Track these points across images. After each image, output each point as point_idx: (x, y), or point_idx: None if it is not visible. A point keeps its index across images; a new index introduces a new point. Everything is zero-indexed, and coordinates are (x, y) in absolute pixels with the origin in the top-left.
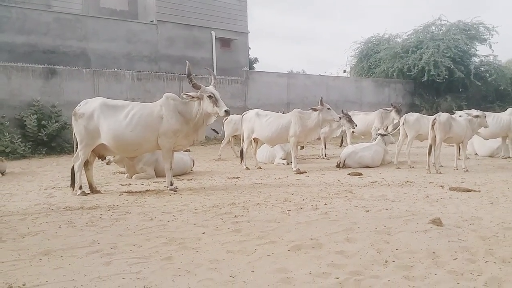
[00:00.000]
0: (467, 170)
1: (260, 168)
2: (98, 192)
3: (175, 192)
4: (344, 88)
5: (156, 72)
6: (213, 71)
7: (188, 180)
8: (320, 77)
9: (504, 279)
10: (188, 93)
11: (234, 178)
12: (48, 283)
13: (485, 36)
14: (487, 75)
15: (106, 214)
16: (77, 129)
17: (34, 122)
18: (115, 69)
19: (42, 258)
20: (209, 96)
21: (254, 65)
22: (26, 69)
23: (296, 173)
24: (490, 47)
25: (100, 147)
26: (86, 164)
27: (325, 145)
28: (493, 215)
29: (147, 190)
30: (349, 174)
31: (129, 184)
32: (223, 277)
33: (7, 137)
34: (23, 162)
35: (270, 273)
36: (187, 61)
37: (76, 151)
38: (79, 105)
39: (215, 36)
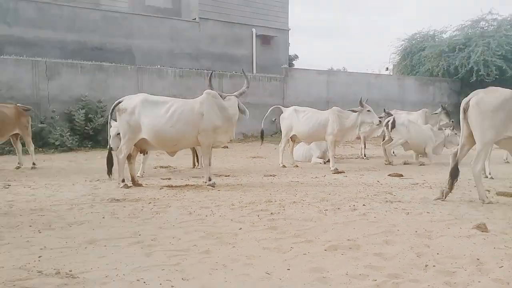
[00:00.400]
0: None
1: (297, 166)
2: (140, 185)
3: (213, 188)
4: (386, 87)
5: (197, 69)
6: (252, 70)
7: (226, 176)
8: (361, 75)
9: None
10: (223, 94)
11: (271, 175)
12: (93, 270)
13: None
14: None
15: (147, 206)
16: (120, 124)
17: (81, 116)
18: (158, 66)
19: (87, 246)
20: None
21: (294, 62)
22: (75, 66)
23: (334, 173)
24: None
25: (142, 142)
26: (129, 158)
27: (365, 144)
28: None
29: (186, 185)
30: (389, 175)
31: (169, 179)
32: (258, 273)
33: (58, 130)
34: (71, 155)
35: (305, 272)
36: (211, 71)
37: (109, 144)
38: (121, 100)
39: (256, 33)
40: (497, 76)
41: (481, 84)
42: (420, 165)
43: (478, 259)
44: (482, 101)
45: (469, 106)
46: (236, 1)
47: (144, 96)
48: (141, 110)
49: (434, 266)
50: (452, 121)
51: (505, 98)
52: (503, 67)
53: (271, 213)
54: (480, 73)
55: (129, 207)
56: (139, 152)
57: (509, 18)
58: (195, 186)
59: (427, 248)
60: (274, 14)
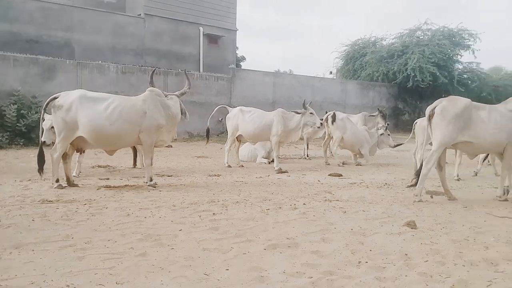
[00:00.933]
0: (459, 179)
1: (242, 166)
2: (75, 185)
3: (154, 188)
4: (329, 90)
5: (141, 66)
6: (199, 68)
7: (169, 176)
8: (306, 78)
9: (471, 282)
10: (171, 93)
11: (215, 175)
12: (17, 277)
13: (468, 43)
14: (470, 82)
15: (82, 208)
16: (56, 121)
17: (13, 112)
18: (100, 62)
19: (13, 251)
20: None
21: (241, 63)
22: (7, 58)
23: (278, 173)
24: (473, 53)
25: (79, 140)
26: (64, 157)
27: (307, 145)
28: (466, 219)
29: (125, 185)
30: (329, 175)
31: (108, 179)
32: (197, 274)
33: None
34: (0, 153)
35: (244, 272)
36: (154, 68)
37: (40, 139)
38: (57, 96)
39: (203, 32)
40: (430, 82)
41: (417, 89)
42: (357, 165)
43: (406, 255)
44: (445, 108)
45: (434, 113)
46: None
47: (82, 92)
48: (79, 107)
49: (366, 262)
50: (388, 124)
51: (464, 107)
52: (436, 74)
53: (213, 214)
54: (416, 78)
55: (62, 209)
56: (75, 151)
57: (441, 29)
58: (135, 187)
59: (361, 245)
60: (221, 14)
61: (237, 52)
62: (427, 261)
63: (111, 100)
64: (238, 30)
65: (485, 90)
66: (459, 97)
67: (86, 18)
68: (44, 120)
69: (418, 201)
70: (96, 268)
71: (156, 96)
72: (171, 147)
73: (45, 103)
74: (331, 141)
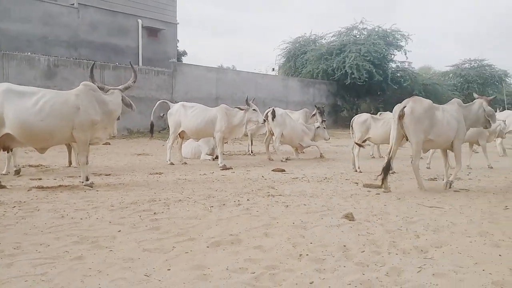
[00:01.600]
0: (393, 172)
1: (185, 163)
2: (4, 187)
3: (91, 188)
4: (272, 86)
5: (76, 58)
6: (138, 62)
7: (107, 175)
8: (249, 74)
9: (404, 269)
10: (117, 87)
11: (157, 173)
12: None
13: (401, 43)
14: (402, 80)
15: (11, 211)
16: None
17: None
18: (28, 53)
19: None
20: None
21: (183, 57)
22: None
23: (222, 169)
24: (405, 53)
25: (6, 138)
26: None
27: (252, 141)
28: (399, 210)
29: (59, 186)
30: (273, 170)
31: (40, 179)
32: (137, 276)
33: None
34: None
35: (186, 271)
36: (94, 62)
37: None
38: None
39: (142, 25)
40: (367, 79)
41: (354, 86)
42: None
43: (344, 246)
44: (414, 109)
45: (404, 113)
46: None
47: (8, 85)
48: (5, 102)
49: (307, 255)
50: (325, 120)
51: (428, 107)
52: (372, 71)
53: (154, 213)
54: (353, 76)
55: None
56: (2, 149)
57: (376, 29)
58: (70, 187)
59: (302, 238)
60: (161, 6)
61: (178, 46)
62: (364, 251)
63: (41, 95)
64: (179, 23)
65: (416, 88)
66: (422, 98)
67: (12, 5)
68: None
69: (425, 191)
70: (26, 275)
71: (91, 91)
72: (109, 144)
73: None
74: (272, 137)
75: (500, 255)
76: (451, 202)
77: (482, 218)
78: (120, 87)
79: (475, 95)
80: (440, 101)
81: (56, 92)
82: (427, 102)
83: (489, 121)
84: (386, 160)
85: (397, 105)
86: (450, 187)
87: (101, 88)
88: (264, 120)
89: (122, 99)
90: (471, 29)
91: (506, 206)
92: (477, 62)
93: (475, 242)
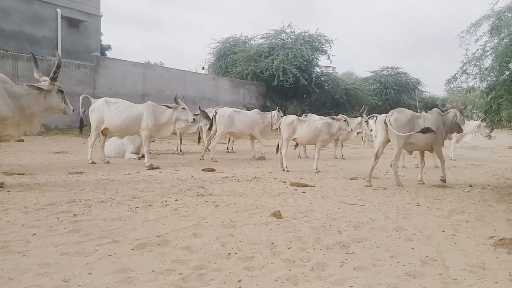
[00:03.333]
0: (318, 172)
1: (108, 162)
2: None
3: (1, 189)
4: (202, 85)
5: None
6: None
7: (20, 175)
8: (178, 72)
9: (327, 264)
10: (35, 85)
11: (77, 173)
12: None
13: (325, 48)
14: (326, 84)
15: None
16: None
17: None
18: None
19: None
20: (61, 91)
21: (107, 52)
22: None
23: (149, 169)
24: (329, 58)
25: None
26: None
27: (181, 140)
28: (323, 208)
29: None
30: (202, 170)
31: None
32: (54, 282)
33: None
34: None
35: (109, 274)
36: (57, 52)
37: None
38: None
39: (61, 15)
40: (292, 82)
41: (282, 89)
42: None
43: (272, 243)
44: (398, 118)
45: (390, 121)
46: None
47: None
48: None
49: (236, 253)
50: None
51: (410, 117)
52: (298, 75)
53: (74, 215)
54: (280, 78)
55: None
56: None
57: (303, 34)
58: None
59: (231, 237)
60: None
61: (102, 39)
62: (291, 248)
63: None
64: (102, 15)
65: (338, 93)
66: (405, 109)
67: None
68: None
69: (402, 186)
70: None
71: (2, 83)
72: (23, 141)
73: None
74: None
75: (412, 248)
76: (371, 200)
77: (397, 214)
78: (44, 77)
79: (448, 105)
80: (360, 104)
81: None
82: (409, 112)
83: (460, 126)
84: (372, 160)
85: (383, 114)
86: (445, 182)
87: (55, 81)
88: (193, 119)
89: (48, 93)
90: (389, 38)
91: (418, 203)
92: (394, 69)
93: (391, 237)
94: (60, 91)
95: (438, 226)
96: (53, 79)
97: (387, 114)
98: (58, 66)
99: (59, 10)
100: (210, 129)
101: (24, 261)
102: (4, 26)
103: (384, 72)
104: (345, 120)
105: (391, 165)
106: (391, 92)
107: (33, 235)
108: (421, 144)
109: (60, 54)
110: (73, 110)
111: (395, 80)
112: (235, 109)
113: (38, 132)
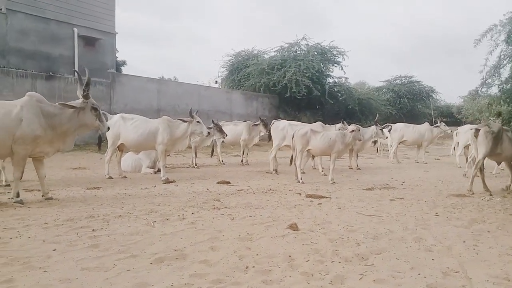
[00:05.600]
0: (333, 183)
1: (125, 177)
2: None
3: (21, 205)
4: (215, 99)
5: (4, 67)
6: (76, 71)
7: (39, 191)
8: (192, 86)
9: (346, 276)
10: (68, 103)
11: (95, 188)
12: None
13: (338, 59)
14: (339, 95)
15: None
16: None
17: None
18: None
19: None
20: (95, 109)
21: (122, 68)
22: None
23: (165, 183)
24: (342, 68)
25: None
26: None
27: (195, 154)
28: (340, 219)
29: None
30: (218, 183)
31: None
32: None
33: None
34: None
35: None
36: (85, 68)
37: None
38: None
39: (78, 34)
40: (306, 94)
41: (295, 100)
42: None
43: (290, 256)
44: (485, 131)
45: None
46: None
47: None
48: None
49: (253, 267)
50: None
51: (497, 129)
52: (310, 86)
53: (93, 230)
54: (292, 90)
55: None
56: None
57: (316, 46)
58: None
59: (248, 250)
60: (99, 15)
61: (117, 56)
62: (308, 260)
63: None
64: (117, 33)
65: (351, 103)
66: (493, 122)
67: None
68: None
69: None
70: None
71: (37, 103)
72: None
73: None
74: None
75: (433, 259)
76: (388, 211)
77: (416, 225)
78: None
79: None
80: (374, 114)
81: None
82: (497, 125)
83: None
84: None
85: (399, 123)
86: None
87: (88, 98)
88: (208, 132)
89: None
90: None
91: (437, 213)
92: (407, 78)
93: (410, 248)
94: (94, 109)
95: (458, 236)
96: (86, 97)
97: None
98: (88, 84)
99: (75, 29)
100: (269, 141)
101: (46, 277)
102: (23, 46)
103: (397, 81)
104: (358, 130)
105: (464, 175)
106: (405, 101)
107: (54, 250)
108: (508, 156)
109: (88, 72)
110: (108, 128)
111: (408, 89)
112: (290, 122)
113: (71, 149)
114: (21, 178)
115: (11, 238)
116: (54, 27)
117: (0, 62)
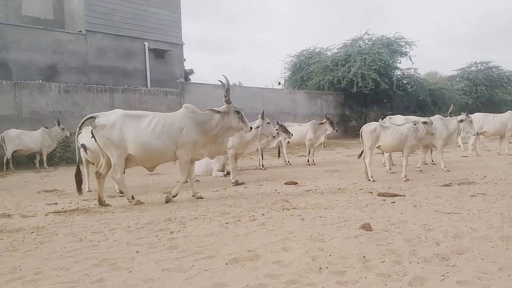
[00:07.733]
0: (407, 180)
1: (198, 181)
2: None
3: (106, 211)
4: (279, 100)
5: (85, 84)
6: (146, 83)
7: (121, 196)
8: (256, 89)
9: (426, 278)
10: (214, 109)
11: (170, 193)
12: None
13: (406, 50)
14: (409, 86)
15: (30, 237)
16: (102, 142)
17: None
18: (40, 81)
19: None
20: (237, 112)
21: (190, 76)
22: None
23: (234, 185)
24: (410, 59)
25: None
26: (99, 177)
27: (262, 155)
28: (417, 218)
29: (76, 209)
30: (285, 183)
31: (56, 204)
32: None
33: None
34: None
35: None
36: (224, 75)
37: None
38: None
39: (148, 47)
40: (373, 88)
41: (361, 96)
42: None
43: (364, 257)
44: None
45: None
46: (125, 14)
47: (122, 111)
48: (123, 125)
49: (327, 267)
50: (336, 130)
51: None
52: (378, 80)
53: (171, 232)
54: (359, 84)
55: (7, 240)
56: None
57: (380, 38)
58: (85, 210)
59: (321, 251)
60: (166, 28)
61: (184, 65)
62: (384, 261)
63: (151, 117)
64: (184, 44)
65: (422, 94)
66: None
67: (21, 36)
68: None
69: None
70: None
71: (192, 113)
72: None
73: (80, 123)
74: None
75: None
76: (469, 207)
77: (502, 222)
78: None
79: None
80: (447, 105)
81: (163, 114)
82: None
83: None
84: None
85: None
86: None
87: (230, 102)
88: (277, 133)
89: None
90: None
91: None
92: (484, 64)
93: (497, 247)
94: (237, 112)
95: None
96: (227, 102)
97: None
98: (227, 90)
99: (146, 44)
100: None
101: (131, 277)
102: (102, 63)
103: (473, 68)
104: (431, 123)
105: None
106: (482, 89)
107: (137, 252)
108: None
109: (227, 79)
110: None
111: (485, 75)
112: (381, 123)
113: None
114: (185, 182)
115: (99, 241)
116: (127, 43)
117: (82, 79)
